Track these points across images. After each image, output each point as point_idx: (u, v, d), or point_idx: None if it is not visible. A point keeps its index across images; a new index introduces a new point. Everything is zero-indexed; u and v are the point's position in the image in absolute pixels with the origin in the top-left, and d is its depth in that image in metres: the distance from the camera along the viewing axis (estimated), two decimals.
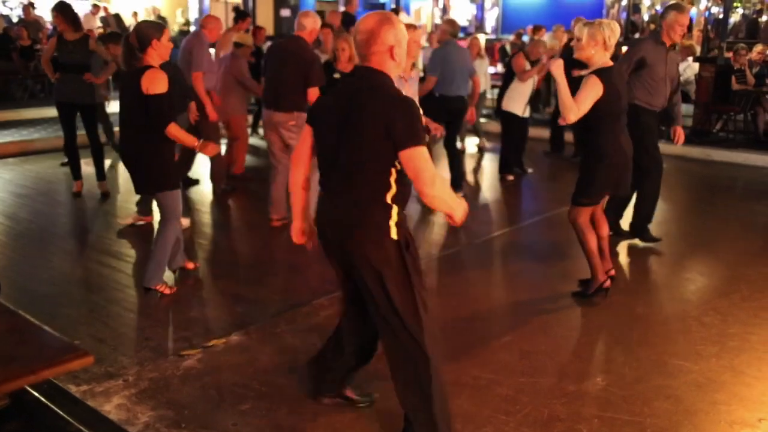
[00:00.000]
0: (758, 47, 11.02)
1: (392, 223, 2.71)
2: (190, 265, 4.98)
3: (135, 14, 17.82)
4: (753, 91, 10.14)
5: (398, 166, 2.66)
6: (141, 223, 6.02)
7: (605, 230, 4.69)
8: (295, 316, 4.30)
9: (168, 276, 4.78)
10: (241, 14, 9.24)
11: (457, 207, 2.76)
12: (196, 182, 7.62)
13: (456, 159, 7.26)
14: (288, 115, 5.74)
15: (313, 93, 5.52)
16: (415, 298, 2.77)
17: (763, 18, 15.04)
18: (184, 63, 6.78)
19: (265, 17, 16.53)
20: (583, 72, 4.54)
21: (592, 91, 4.21)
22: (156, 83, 4.18)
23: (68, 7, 6.65)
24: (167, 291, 4.58)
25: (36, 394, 3.03)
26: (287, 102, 5.74)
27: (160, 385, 3.49)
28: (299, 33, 5.83)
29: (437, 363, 2.83)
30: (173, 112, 4.33)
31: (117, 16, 15.14)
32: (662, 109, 5.56)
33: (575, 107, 4.21)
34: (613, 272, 4.69)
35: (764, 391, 3.54)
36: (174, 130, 4.24)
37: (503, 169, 8.25)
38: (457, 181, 7.20)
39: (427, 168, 2.60)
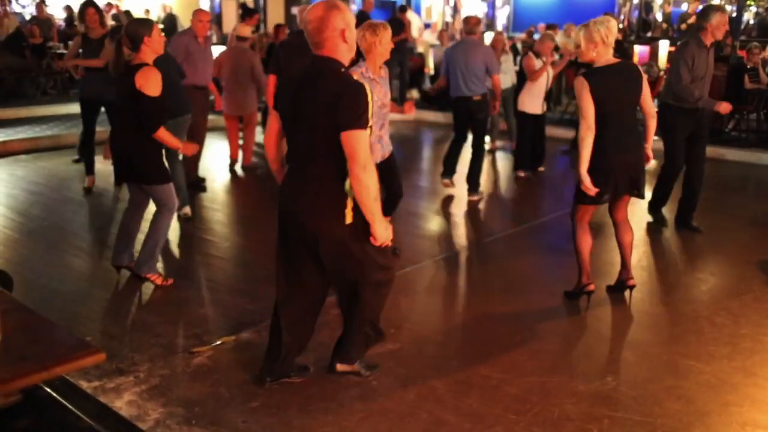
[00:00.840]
0: None
1: (347, 211, 2.94)
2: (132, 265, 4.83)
3: (147, 12, 17.86)
4: (766, 90, 10.06)
5: None
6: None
7: (628, 237, 4.57)
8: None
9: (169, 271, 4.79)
10: (249, 11, 9.26)
11: (380, 219, 2.92)
12: (202, 181, 7.64)
13: (476, 161, 7.13)
14: None
15: None
16: (359, 267, 3.10)
17: None
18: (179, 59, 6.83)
19: (276, 15, 16.58)
20: None
21: (582, 95, 4.13)
22: (150, 83, 4.23)
23: (97, 5, 6.83)
24: (160, 281, 4.62)
25: (48, 390, 3.05)
26: None
27: (170, 381, 3.50)
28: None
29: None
30: (164, 115, 4.41)
31: (128, 13, 15.22)
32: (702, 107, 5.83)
33: (582, 126, 4.18)
34: (632, 282, 4.57)
35: None
36: (161, 134, 4.32)
37: (517, 166, 8.22)
38: (472, 182, 7.14)
39: (363, 150, 2.79)
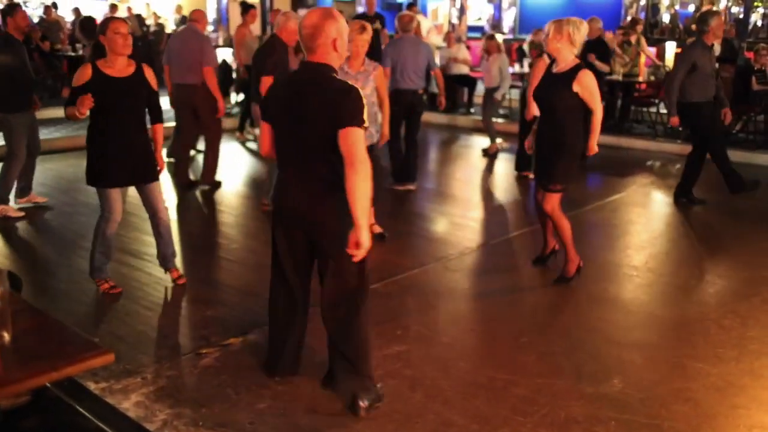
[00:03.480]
0: None
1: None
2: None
3: (155, 14, 17.95)
4: None
5: None
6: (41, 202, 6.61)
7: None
8: (312, 315, 4.29)
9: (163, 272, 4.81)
10: (246, 6, 9.31)
11: (365, 224, 2.90)
12: (219, 185, 7.69)
13: (412, 151, 7.31)
14: None
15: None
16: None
17: None
18: (178, 58, 6.92)
19: None
20: (555, 69, 4.68)
21: (595, 83, 4.54)
22: (155, 80, 4.46)
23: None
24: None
25: (56, 391, 3.07)
26: None
27: (177, 383, 3.51)
28: (277, 32, 6.13)
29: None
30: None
31: (139, 17, 15.32)
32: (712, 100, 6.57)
33: (597, 113, 4.61)
34: (558, 247, 5.08)
35: None
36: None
37: (521, 167, 8.18)
38: (410, 172, 7.32)
39: (361, 149, 2.85)
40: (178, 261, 5.01)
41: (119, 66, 4.28)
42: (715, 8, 15.24)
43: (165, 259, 4.76)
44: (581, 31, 4.49)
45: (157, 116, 4.55)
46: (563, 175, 4.68)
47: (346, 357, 3.22)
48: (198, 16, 7.32)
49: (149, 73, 4.41)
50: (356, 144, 2.84)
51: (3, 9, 6.57)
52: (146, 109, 4.49)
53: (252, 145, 9.84)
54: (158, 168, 4.53)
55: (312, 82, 2.98)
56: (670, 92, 6.53)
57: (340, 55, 3.03)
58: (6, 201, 6.28)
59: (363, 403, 3.18)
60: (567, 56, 4.54)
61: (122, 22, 4.32)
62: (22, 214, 6.31)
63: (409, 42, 7.27)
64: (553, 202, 4.71)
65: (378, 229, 5.72)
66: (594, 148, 4.72)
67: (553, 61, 4.73)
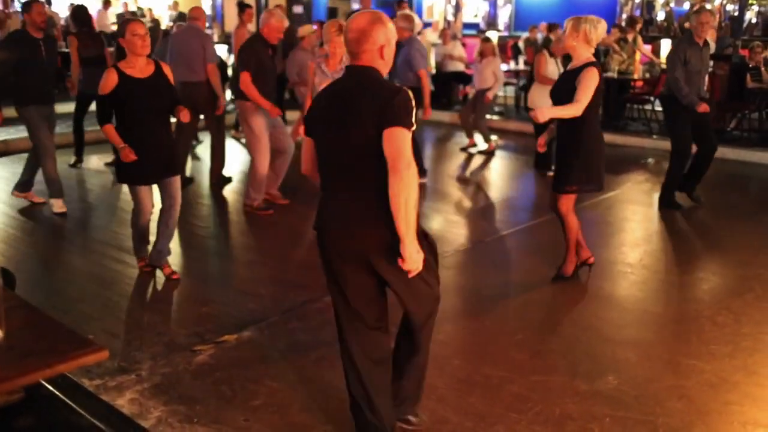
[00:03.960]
0: None
1: None
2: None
3: (150, 11, 17.90)
4: None
5: None
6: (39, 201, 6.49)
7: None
8: (307, 312, 4.31)
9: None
10: (242, 6, 9.33)
11: (413, 235, 2.61)
12: (229, 180, 7.73)
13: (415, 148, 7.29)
14: None
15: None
16: (418, 282, 2.78)
17: None
18: (180, 57, 6.95)
19: None
20: (570, 67, 4.65)
21: (594, 81, 4.39)
22: (171, 75, 4.58)
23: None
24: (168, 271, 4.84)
25: (50, 388, 3.06)
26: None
27: (172, 380, 3.51)
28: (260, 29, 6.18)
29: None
30: None
31: (134, 14, 15.27)
32: (702, 98, 6.45)
33: (582, 103, 4.39)
34: (592, 259, 4.93)
35: None
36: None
37: (540, 166, 8.17)
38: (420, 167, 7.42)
39: (406, 152, 2.59)
40: (174, 258, 5.01)
41: (140, 66, 4.40)
42: (708, 6, 15.28)
43: (160, 255, 4.78)
44: (598, 30, 4.43)
45: (177, 103, 4.59)
46: (576, 177, 4.59)
47: (408, 387, 3.05)
48: (198, 13, 7.36)
49: (167, 71, 4.55)
50: (402, 146, 2.58)
51: (22, 6, 6.67)
52: (168, 105, 4.56)
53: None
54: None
55: (359, 85, 2.72)
56: (678, 88, 6.32)
57: (386, 63, 2.79)
58: (60, 195, 6.29)
59: (414, 419, 3.10)
60: (582, 54, 4.48)
61: (140, 23, 4.40)
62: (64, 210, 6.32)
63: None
64: (567, 203, 4.64)
65: None
66: (542, 115, 4.39)
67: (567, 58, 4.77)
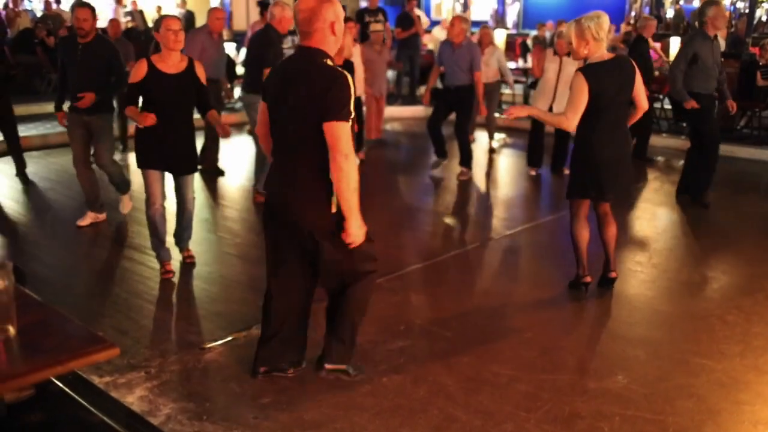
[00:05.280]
0: None
1: (334, 199, 2.97)
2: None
3: (159, 9, 17.91)
4: None
5: None
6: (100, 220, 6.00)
7: (611, 231, 4.52)
8: (315, 310, 4.29)
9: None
10: (264, 5, 9.38)
11: (356, 214, 2.95)
12: (222, 173, 7.80)
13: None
14: None
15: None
16: (353, 252, 3.09)
17: None
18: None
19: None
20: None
21: (579, 90, 4.12)
22: (204, 75, 4.66)
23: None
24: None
25: (61, 385, 3.07)
26: None
27: (182, 377, 3.52)
28: (270, 22, 6.43)
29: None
30: None
31: (140, 13, 15.31)
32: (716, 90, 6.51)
33: (567, 116, 4.18)
34: (613, 274, 4.60)
35: None
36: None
37: (531, 163, 8.15)
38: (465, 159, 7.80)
39: (346, 140, 2.85)
40: (179, 255, 5.03)
41: (172, 61, 4.50)
42: None
43: (180, 239, 4.99)
44: (602, 24, 4.15)
45: (208, 106, 4.69)
46: (567, 186, 4.50)
47: (337, 334, 3.36)
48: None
49: (200, 70, 4.60)
50: (342, 135, 2.84)
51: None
52: (195, 103, 4.64)
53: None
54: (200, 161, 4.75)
55: (302, 71, 2.94)
56: (673, 81, 6.39)
57: (337, 39, 2.98)
58: (93, 208, 6.02)
59: (330, 366, 3.39)
60: (594, 57, 4.19)
61: (174, 19, 4.50)
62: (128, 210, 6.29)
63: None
64: (572, 209, 4.52)
65: None
66: (515, 112, 4.20)
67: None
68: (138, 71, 4.45)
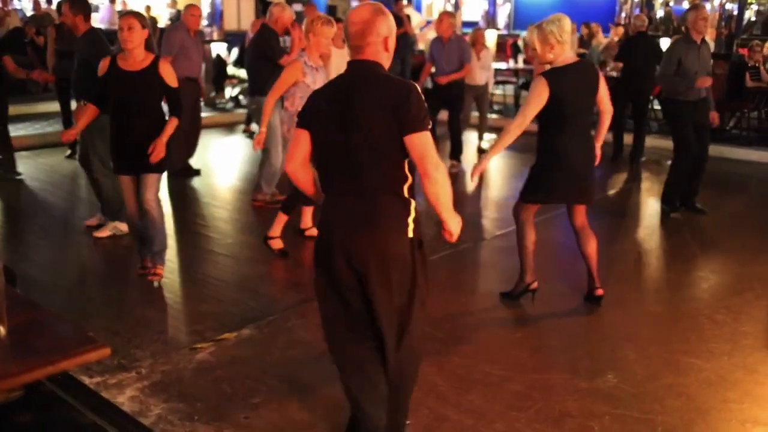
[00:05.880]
0: None
1: (410, 219, 2.68)
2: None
3: (148, 8, 17.85)
4: (767, 89, 10.06)
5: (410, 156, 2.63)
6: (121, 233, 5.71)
7: (592, 246, 4.39)
8: (307, 311, 4.31)
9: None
10: (266, 4, 9.42)
11: (454, 214, 2.75)
12: (197, 172, 7.74)
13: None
14: None
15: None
16: (415, 300, 2.73)
17: None
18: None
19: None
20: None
21: (535, 95, 4.05)
22: (173, 74, 4.53)
23: None
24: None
25: (51, 385, 3.06)
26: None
27: (172, 377, 3.51)
28: (267, 21, 6.52)
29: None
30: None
31: (119, 13, 15.26)
32: (700, 99, 6.24)
33: (516, 122, 4.08)
34: (599, 291, 4.47)
35: None
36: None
37: None
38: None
39: (433, 151, 2.61)
40: (175, 255, 5.02)
41: (134, 59, 4.40)
42: (707, 5, 15.26)
43: (146, 250, 4.68)
44: (564, 27, 4.09)
45: (174, 110, 4.53)
46: (527, 190, 4.40)
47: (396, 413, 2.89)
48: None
49: (165, 69, 4.45)
50: (428, 146, 2.58)
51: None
52: (162, 103, 4.53)
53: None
54: (157, 157, 4.39)
55: (367, 85, 2.63)
56: (667, 83, 6.31)
57: (389, 55, 2.74)
58: (112, 217, 5.78)
59: None
60: (558, 61, 4.12)
61: (126, 17, 4.40)
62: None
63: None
64: (517, 208, 4.47)
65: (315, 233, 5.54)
66: (478, 171, 4.17)
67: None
68: (101, 67, 4.46)
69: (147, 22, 4.48)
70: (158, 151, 4.37)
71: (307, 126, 2.73)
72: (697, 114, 6.23)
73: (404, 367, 2.82)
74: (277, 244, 5.26)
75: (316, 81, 5.04)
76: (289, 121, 5.13)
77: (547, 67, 4.15)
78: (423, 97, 2.63)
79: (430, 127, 2.61)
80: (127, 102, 4.41)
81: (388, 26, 2.70)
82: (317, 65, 5.16)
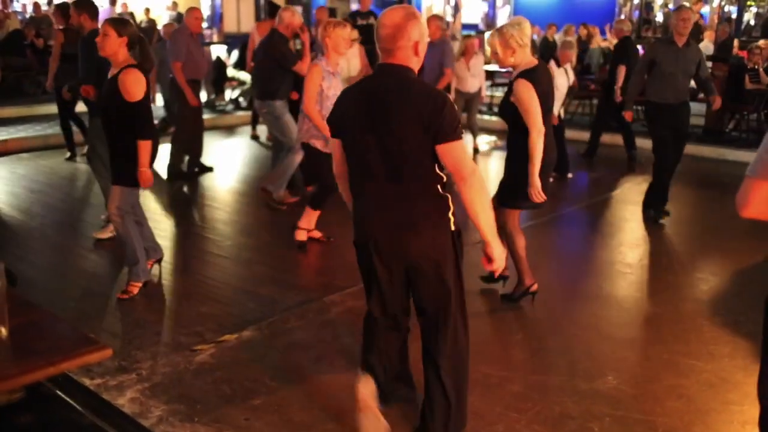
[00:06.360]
0: None
1: (450, 214, 2.75)
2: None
3: (147, 11, 17.88)
4: (766, 91, 10.07)
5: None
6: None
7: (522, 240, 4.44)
8: (307, 312, 4.32)
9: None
10: (273, 7, 9.43)
11: (497, 237, 2.73)
12: (210, 169, 7.84)
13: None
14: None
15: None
16: (463, 286, 2.87)
17: None
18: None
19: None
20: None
21: (529, 97, 3.99)
22: (136, 87, 4.18)
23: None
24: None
25: (51, 386, 3.06)
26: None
27: (173, 379, 3.51)
28: (277, 26, 6.48)
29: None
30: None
31: (131, 15, 15.29)
32: (679, 103, 6.05)
33: (534, 132, 4.01)
34: (536, 286, 4.47)
35: None
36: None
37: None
38: None
39: (468, 157, 2.65)
40: (174, 257, 5.02)
41: (116, 66, 4.20)
42: (706, 7, 15.29)
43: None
44: (525, 30, 4.08)
45: (138, 130, 4.18)
46: (517, 198, 4.31)
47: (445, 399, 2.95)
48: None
49: (124, 80, 4.09)
50: (463, 154, 2.60)
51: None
52: (111, 113, 4.25)
53: (254, 142, 9.86)
54: (126, 175, 4.25)
55: (398, 85, 2.64)
56: (629, 85, 6.45)
57: (419, 60, 2.74)
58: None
59: None
60: (522, 64, 4.08)
61: (104, 23, 4.25)
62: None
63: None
64: (504, 217, 4.36)
65: (317, 234, 5.57)
66: (533, 183, 4.10)
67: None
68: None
69: (129, 29, 4.23)
70: (147, 179, 4.25)
71: (337, 134, 2.82)
72: (674, 119, 6.06)
73: (455, 364, 2.94)
74: (301, 235, 5.42)
75: (332, 86, 5.05)
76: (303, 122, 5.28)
77: (512, 71, 4.13)
78: (454, 107, 2.67)
79: (463, 136, 2.67)
80: (102, 108, 4.36)
81: (419, 31, 2.70)
82: (334, 70, 5.17)
